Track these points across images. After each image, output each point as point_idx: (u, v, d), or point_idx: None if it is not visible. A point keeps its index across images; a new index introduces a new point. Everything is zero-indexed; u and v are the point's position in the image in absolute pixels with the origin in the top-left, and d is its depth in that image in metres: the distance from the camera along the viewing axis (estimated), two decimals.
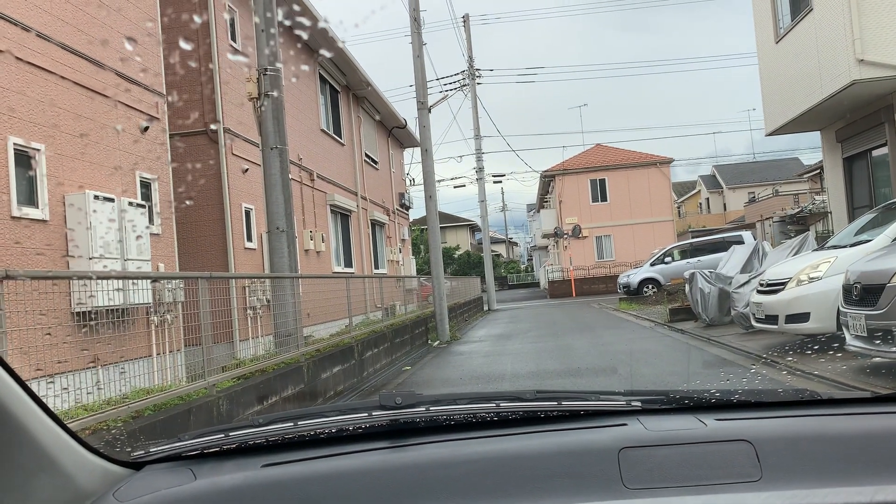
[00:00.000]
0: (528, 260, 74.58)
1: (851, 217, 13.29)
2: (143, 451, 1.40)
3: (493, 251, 40.42)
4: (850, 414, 1.35)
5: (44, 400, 1.20)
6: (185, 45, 10.88)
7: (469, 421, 1.42)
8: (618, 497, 1.17)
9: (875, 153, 13.09)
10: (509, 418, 1.42)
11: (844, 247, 8.23)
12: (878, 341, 5.82)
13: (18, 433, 1.12)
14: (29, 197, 7.09)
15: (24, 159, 7.06)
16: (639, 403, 1.44)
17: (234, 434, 1.43)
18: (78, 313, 6.55)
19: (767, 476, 1.19)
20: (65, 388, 4.53)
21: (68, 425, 1.29)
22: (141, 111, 9.02)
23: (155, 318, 7.71)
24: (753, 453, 1.22)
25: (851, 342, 6.31)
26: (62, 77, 7.59)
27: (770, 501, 1.04)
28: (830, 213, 15.79)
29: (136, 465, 1.39)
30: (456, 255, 52.72)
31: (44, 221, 7.17)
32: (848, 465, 1.20)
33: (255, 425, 1.48)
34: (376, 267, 20.23)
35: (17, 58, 6.95)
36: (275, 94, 8.42)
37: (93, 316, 6.22)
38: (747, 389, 1.60)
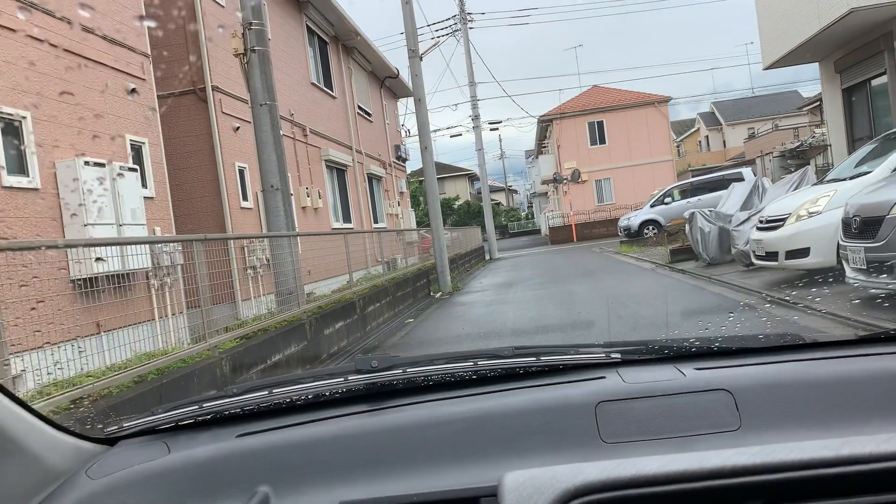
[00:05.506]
0: (528, 207, 74.40)
1: (851, 149, 13.17)
2: (116, 427, 1.40)
3: (492, 200, 40.28)
4: (831, 358, 1.32)
5: (4, 385, 1.19)
6: (167, 3, 10.64)
7: (447, 381, 1.40)
8: (595, 451, 1.16)
9: (874, 83, 12.90)
10: (488, 376, 1.40)
11: (844, 180, 8.15)
12: (876, 273, 5.82)
13: None
14: (19, 166, 7.02)
15: (10, 128, 6.96)
16: (618, 355, 1.42)
17: (209, 405, 1.41)
18: (77, 280, 6.54)
19: (746, 424, 1.18)
20: (69, 359, 4.56)
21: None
22: (127, 73, 8.86)
23: (154, 281, 7.71)
24: (732, 402, 1.21)
25: (851, 275, 6.31)
26: (46, 42, 7.43)
27: (748, 450, 1.02)
28: (830, 145, 15.65)
29: (110, 441, 1.38)
30: (455, 206, 52.58)
31: (35, 190, 7.11)
32: (824, 411, 1.18)
33: (229, 395, 1.46)
34: (375, 221, 20.18)
35: None
36: (261, 48, 8.26)
37: (92, 283, 6.21)
38: (728, 336, 1.58)
